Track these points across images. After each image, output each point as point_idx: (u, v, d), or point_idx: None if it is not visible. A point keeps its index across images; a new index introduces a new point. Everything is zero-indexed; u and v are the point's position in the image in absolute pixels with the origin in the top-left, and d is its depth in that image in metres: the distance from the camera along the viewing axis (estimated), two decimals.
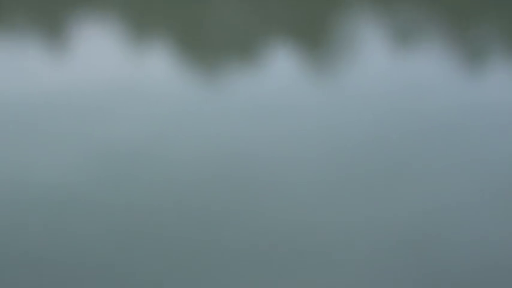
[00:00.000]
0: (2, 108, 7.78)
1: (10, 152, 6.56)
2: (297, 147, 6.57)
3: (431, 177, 6.00)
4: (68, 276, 4.31)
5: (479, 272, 4.40)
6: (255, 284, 4.22)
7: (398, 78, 8.87)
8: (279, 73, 8.96)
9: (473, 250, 4.69)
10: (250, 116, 7.47)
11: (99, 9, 12.00)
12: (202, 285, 4.21)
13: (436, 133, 7.05)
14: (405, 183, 5.86)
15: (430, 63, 9.47)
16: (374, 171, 6.11)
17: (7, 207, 5.36)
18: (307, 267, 4.46)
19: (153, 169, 6.16)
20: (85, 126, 7.24)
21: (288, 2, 11.94)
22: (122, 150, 6.62)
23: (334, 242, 4.82)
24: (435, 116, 7.55)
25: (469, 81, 8.78)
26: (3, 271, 4.38)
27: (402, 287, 4.20)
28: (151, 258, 4.54)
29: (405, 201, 5.48)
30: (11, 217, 5.18)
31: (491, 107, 7.87)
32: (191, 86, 8.45)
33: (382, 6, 12.20)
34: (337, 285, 4.23)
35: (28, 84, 8.55)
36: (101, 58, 9.65)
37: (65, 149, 6.64)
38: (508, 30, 11.09)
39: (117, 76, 8.88)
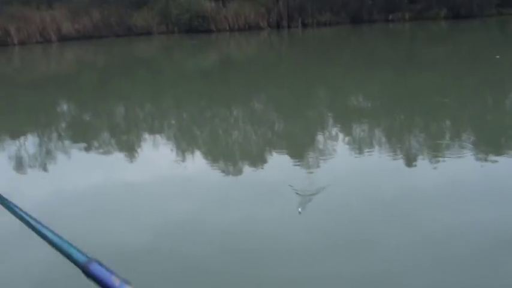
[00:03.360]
0: (95, 190, 10.12)
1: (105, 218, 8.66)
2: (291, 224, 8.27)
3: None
4: None
5: None
6: None
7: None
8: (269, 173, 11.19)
9: None
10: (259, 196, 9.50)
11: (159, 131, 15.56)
12: None
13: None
14: None
15: None
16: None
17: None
18: None
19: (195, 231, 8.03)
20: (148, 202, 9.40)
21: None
22: (174, 219, 8.55)
23: None
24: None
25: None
26: None
27: None
28: None
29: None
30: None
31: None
32: (216, 178, 10.79)
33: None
34: None
35: (115, 176, 11.05)
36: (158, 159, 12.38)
37: (137, 218, 8.67)
38: None
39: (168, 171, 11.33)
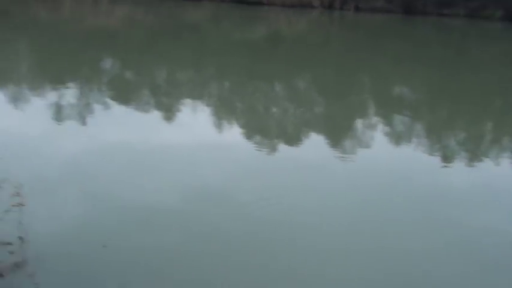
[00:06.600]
0: (129, 151, 10.16)
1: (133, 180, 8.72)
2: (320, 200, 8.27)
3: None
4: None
5: None
6: None
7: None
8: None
9: None
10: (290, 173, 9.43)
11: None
12: None
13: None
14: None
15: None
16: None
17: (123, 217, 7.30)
18: None
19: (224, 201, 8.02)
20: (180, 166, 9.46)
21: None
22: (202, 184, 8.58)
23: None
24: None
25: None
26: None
27: None
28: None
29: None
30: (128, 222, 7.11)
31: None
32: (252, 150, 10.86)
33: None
34: None
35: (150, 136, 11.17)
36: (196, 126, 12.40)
37: (167, 181, 8.70)
38: None
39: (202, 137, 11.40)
